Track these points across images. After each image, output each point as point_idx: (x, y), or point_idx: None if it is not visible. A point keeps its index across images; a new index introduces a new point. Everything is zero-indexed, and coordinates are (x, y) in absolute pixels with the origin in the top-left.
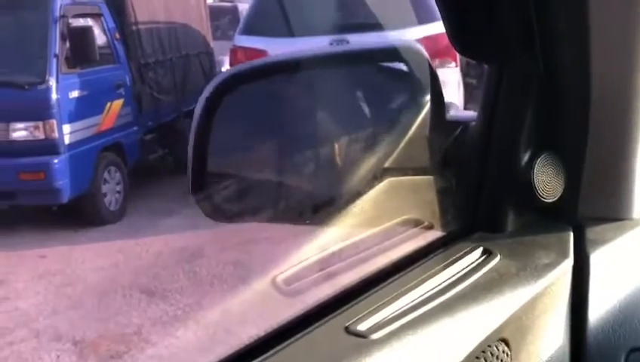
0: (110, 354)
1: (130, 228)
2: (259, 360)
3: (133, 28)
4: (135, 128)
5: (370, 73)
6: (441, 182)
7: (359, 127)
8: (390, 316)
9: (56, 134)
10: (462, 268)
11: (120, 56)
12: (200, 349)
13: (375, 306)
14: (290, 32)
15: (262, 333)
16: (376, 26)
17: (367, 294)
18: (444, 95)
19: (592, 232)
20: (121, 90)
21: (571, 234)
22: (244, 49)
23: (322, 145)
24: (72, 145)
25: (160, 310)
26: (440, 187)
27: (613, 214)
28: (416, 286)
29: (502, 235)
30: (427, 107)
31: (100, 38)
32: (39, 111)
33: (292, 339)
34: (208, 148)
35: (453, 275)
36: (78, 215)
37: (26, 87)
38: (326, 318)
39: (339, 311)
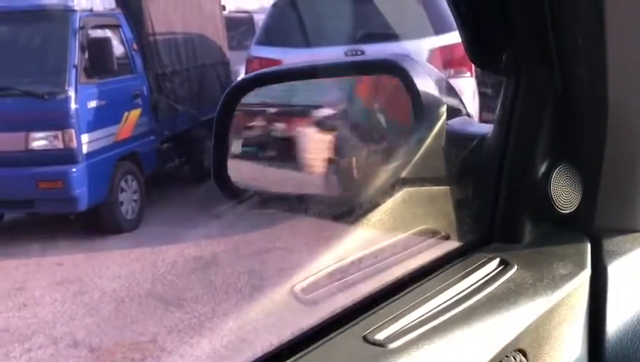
0: None
1: (146, 236)
2: None
3: (151, 39)
4: (152, 137)
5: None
6: (458, 193)
7: (376, 139)
8: (408, 325)
9: (74, 143)
10: (479, 278)
11: (137, 67)
12: (215, 358)
13: (393, 316)
14: (305, 43)
15: (280, 341)
16: (391, 37)
17: (384, 303)
18: (465, 110)
19: (609, 243)
20: (139, 100)
21: (588, 245)
22: (260, 59)
23: (341, 156)
24: (90, 155)
25: (175, 318)
26: (457, 198)
27: (631, 225)
28: (434, 296)
29: (519, 246)
30: (443, 118)
31: (118, 48)
32: (58, 120)
33: (310, 348)
34: (227, 139)
35: (471, 286)
36: (95, 223)
37: (46, 96)
38: (344, 327)
39: (357, 320)
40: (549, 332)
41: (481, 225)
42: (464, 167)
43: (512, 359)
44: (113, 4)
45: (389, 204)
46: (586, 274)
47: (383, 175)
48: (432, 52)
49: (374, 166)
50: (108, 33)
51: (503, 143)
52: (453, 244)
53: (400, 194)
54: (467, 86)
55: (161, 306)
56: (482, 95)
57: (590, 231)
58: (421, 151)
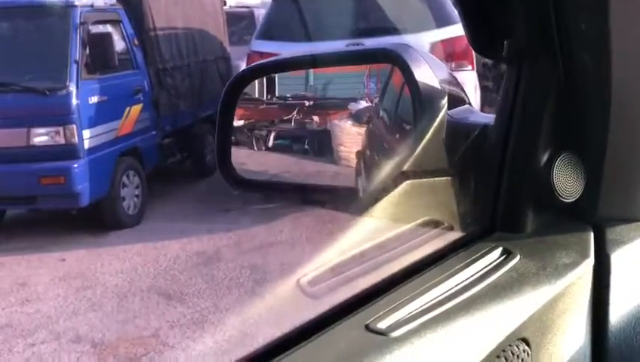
0: (129, 356)
1: (148, 231)
2: (281, 357)
3: (152, 34)
4: (153, 133)
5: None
6: (460, 183)
7: (378, 132)
8: (410, 314)
9: (76, 139)
10: (481, 267)
11: (138, 62)
12: (218, 352)
13: (395, 305)
14: (306, 37)
15: (285, 332)
16: (392, 30)
17: (387, 293)
18: (468, 99)
19: (612, 232)
20: (140, 96)
21: (591, 234)
22: (261, 54)
23: (344, 150)
24: (91, 150)
25: (178, 313)
26: (459, 188)
27: (634, 214)
28: (437, 286)
29: (521, 235)
30: (444, 108)
31: (119, 44)
32: (60, 116)
33: (313, 337)
34: (231, 129)
35: (473, 275)
36: (98, 219)
37: (47, 92)
38: (347, 316)
39: (359, 310)
40: (552, 321)
41: (484, 214)
42: (466, 156)
43: (515, 348)
44: (114, 0)
45: (391, 196)
46: (589, 264)
47: (386, 167)
48: (433, 45)
49: (377, 158)
50: (109, 28)
51: (504, 132)
52: (456, 234)
53: (402, 186)
54: (468, 79)
55: (164, 301)
56: (484, 89)
57: (593, 220)
58: (422, 142)
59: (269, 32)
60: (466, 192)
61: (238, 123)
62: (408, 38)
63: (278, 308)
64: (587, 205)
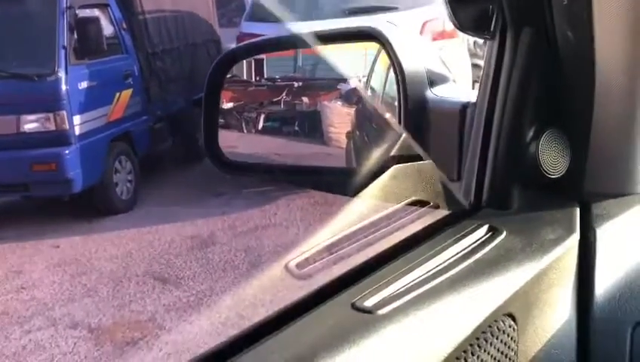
0: (126, 341)
1: (142, 216)
2: (270, 336)
3: (140, 17)
4: (144, 117)
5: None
6: (445, 162)
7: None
8: (396, 292)
9: (66, 125)
10: (468, 244)
11: (128, 46)
12: (213, 334)
13: (381, 283)
14: (295, 18)
15: (273, 312)
16: (383, 9)
17: (374, 272)
18: (452, 76)
19: (598, 208)
20: (130, 80)
21: (577, 209)
22: (251, 35)
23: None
24: (82, 136)
25: (173, 296)
26: (444, 167)
27: (619, 189)
28: (423, 263)
29: (508, 212)
30: (426, 85)
31: (107, 28)
32: (49, 102)
33: (301, 316)
34: (218, 109)
35: (459, 252)
36: (91, 205)
37: (36, 78)
38: (334, 296)
39: (346, 289)
40: (538, 296)
41: (470, 192)
42: (451, 134)
43: (502, 323)
44: None
45: (380, 177)
46: (574, 239)
47: (377, 147)
48: (424, 24)
49: (364, 144)
50: (96, 13)
51: (489, 109)
52: (442, 213)
53: (390, 167)
54: (460, 57)
55: (159, 285)
56: (475, 66)
57: (579, 196)
58: (408, 120)
59: (259, 14)
60: (452, 170)
61: (227, 105)
62: (400, 16)
63: (270, 290)
64: (573, 181)
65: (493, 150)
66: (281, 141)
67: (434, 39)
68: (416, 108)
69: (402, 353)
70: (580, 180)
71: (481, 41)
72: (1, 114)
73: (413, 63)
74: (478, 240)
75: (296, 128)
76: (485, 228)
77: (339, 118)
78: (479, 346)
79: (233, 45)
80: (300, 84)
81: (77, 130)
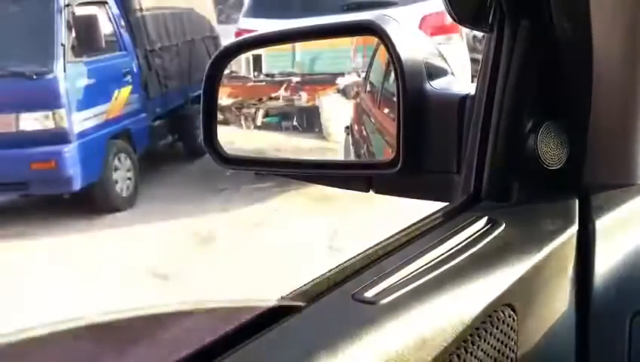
0: (127, 338)
1: (142, 214)
2: (270, 328)
3: (139, 15)
4: (143, 115)
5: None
6: (444, 154)
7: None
8: (397, 283)
9: (65, 123)
10: (467, 236)
11: (126, 44)
12: (216, 330)
13: (381, 274)
14: (294, 14)
15: (273, 305)
16: (382, 4)
17: (374, 264)
18: (450, 69)
19: (596, 199)
20: (129, 78)
21: (576, 201)
22: (249, 31)
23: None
24: (81, 134)
25: (175, 293)
26: (444, 159)
27: (618, 180)
28: (422, 255)
29: (507, 204)
30: (425, 78)
31: (105, 26)
32: (48, 100)
33: (300, 308)
34: (216, 104)
35: (459, 244)
36: (90, 202)
37: (34, 77)
38: (333, 288)
39: (346, 281)
40: (538, 286)
41: (469, 184)
42: (450, 127)
43: (501, 313)
44: None
45: (379, 171)
46: (573, 230)
47: (375, 141)
48: (423, 18)
49: (372, 133)
50: (94, 10)
51: (487, 101)
52: (442, 205)
53: (388, 161)
54: (459, 52)
55: (160, 282)
56: (473, 61)
57: (578, 187)
58: (406, 114)
59: (257, 10)
60: (451, 163)
61: (225, 101)
62: (398, 12)
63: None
64: (572, 172)
65: (492, 142)
66: (279, 136)
67: (433, 34)
68: (415, 102)
69: (403, 342)
70: (579, 172)
71: (480, 35)
72: None
73: (412, 56)
74: (478, 231)
75: (295, 123)
76: (485, 219)
77: (337, 113)
78: (479, 336)
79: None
80: (299, 79)
81: (76, 128)
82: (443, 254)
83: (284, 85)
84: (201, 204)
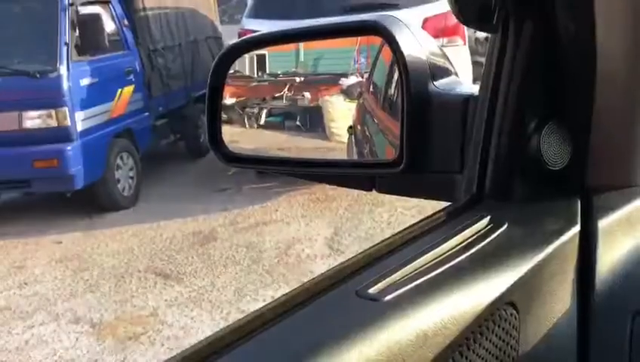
0: (127, 336)
1: (143, 212)
2: (274, 324)
3: (142, 14)
4: (146, 114)
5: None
6: (448, 154)
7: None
8: (400, 280)
9: (68, 122)
10: (470, 235)
11: (129, 43)
12: (215, 329)
13: (385, 271)
14: (297, 14)
15: (277, 300)
16: (384, 6)
17: (378, 261)
18: (454, 69)
19: (599, 199)
20: (131, 77)
21: (579, 201)
22: (252, 32)
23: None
24: (84, 132)
25: (175, 292)
26: (448, 159)
27: (621, 181)
28: (426, 253)
29: (510, 204)
30: (429, 79)
31: (108, 25)
32: (51, 99)
33: (305, 305)
34: (221, 103)
35: (462, 242)
36: (92, 201)
37: (38, 75)
38: (337, 285)
39: (350, 278)
40: (540, 285)
41: (473, 184)
42: (454, 127)
43: (503, 312)
44: None
45: (382, 170)
46: (575, 230)
47: (378, 141)
48: (425, 21)
49: (375, 133)
50: (98, 9)
51: (491, 101)
52: (445, 204)
53: (392, 160)
54: (461, 54)
55: (161, 280)
56: (475, 64)
57: (581, 188)
58: (410, 114)
59: (260, 10)
60: (455, 162)
61: (229, 101)
62: (400, 14)
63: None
64: (575, 173)
65: (495, 142)
66: (283, 135)
67: (435, 37)
68: (419, 102)
69: (406, 339)
70: (582, 172)
71: (482, 37)
72: (3, 110)
73: (416, 57)
74: (480, 231)
75: (298, 123)
76: (487, 219)
77: (340, 113)
78: (481, 334)
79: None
80: (302, 79)
81: (79, 127)
82: (446, 252)
83: (288, 85)
84: (202, 203)
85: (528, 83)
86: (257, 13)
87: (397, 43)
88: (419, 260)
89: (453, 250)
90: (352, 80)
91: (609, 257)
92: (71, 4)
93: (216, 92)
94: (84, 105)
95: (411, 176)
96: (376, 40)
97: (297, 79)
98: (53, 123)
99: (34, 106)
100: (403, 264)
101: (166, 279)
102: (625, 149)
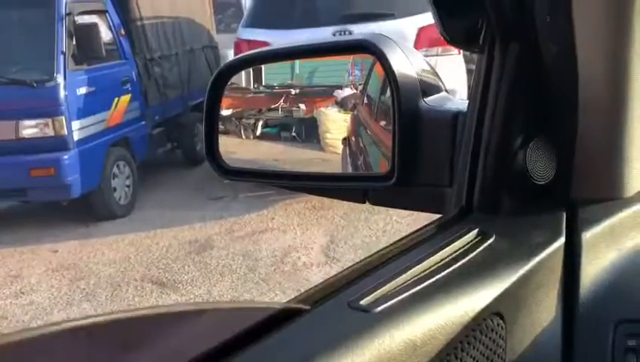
0: (124, 344)
1: (140, 221)
2: (266, 336)
3: (138, 23)
4: (143, 123)
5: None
6: (438, 169)
7: (363, 119)
8: (391, 292)
9: (65, 131)
10: (459, 247)
11: (126, 52)
12: (211, 338)
13: (377, 283)
14: (293, 24)
15: (271, 312)
16: (379, 16)
17: (370, 273)
18: (447, 83)
19: (584, 212)
20: (128, 86)
21: (564, 214)
22: (248, 42)
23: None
24: (81, 141)
25: (171, 300)
26: (438, 173)
27: (604, 194)
28: (417, 265)
29: (498, 216)
30: (420, 96)
31: (105, 34)
32: (48, 108)
33: (298, 317)
34: (218, 116)
35: (451, 254)
36: (89, 210)
37: (35, 84)
38: (330, 296)
39: (342, 290)
40: (526, 296)
41: (462, 197)
42: (443, 142)
43: (490, 322)
44: None
45: (375, 183)
46: (561, 241)
47: (372, 154)
48: (420, 30)
49: (369, 145)
50: (95, 19)
51: (479, 118)
52: (435, 217)
53: (385, 173)
54: (456, 63)
55: (157, 289)
56: (470, 72)
57: (566, 201)
58: (402, 129)
59: (256, 20)
60: (445, 176)
61: (226, 112)
62: (395, 23)
63: (268, 294)
64: (560, 187)
65: (483, 157)
66: (278, 147)
67: (430, 46)
68: (410, 118)
69: (396, 349)
70: (567, 186)
71: None
72: (0, 119)
73: (407, 74)
74: (469, 243)
75: (294, 134)
76: (476, 231)
77: (335, 125)
78: (469, 343)
79: (231, 51)
80: (297, 90)
81: (75, 136)
82: (436, 264)
83: (284, 97)
84: (199, 211)
85: (514, 101)
86: (254, 23)
87: (388, 61)
88: (410, 271)
89: (443, 261)
90: (347, 92)
91: (593, 268)
92: (68, 14)
93: (214, 107)
94: (81, 114)
95: (403, 188)
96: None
97: (293, 91)
98: (50, 132)
99: (31, 115)
100: (394, 276)
101: (162, 288)
102: (607, 164)
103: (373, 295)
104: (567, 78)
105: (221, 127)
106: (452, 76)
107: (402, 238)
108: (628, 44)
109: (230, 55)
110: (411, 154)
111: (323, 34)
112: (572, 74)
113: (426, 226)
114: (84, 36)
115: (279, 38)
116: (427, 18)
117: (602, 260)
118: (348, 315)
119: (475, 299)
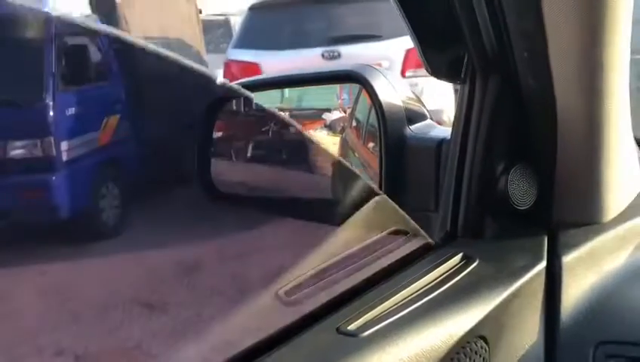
0: None
1: (128, 242)
2: (259, 360)
3: (128, 44)
4: (132, 143)
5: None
6: (423, 195)
7: (351, 142)
8: (378, 316)
9: (54, 152)
10: (443, 272)
11: (115, 73)
12: (200, 360)
13: (364, 308)
14: (282, 45)
15: (259, 338)
16: (368, 37)
17: (357, 298)
18: (436, 104)
19: (564, 236)
20: (118, 106)
21: (545, 238)
22: (238, 62)
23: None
24: (70, 162)
25: (160, 323)
26: (422, 199)
27: (584, 219)
28: (402, 290)
29: (481, 241)
30: (405, 124)
31: (95, 55)
32: (37, 129)
33: (286, 342)
34: (210, 141)
35: (436, 278)
36: (77, 231)
37: (23, 105)
38: (319, 321)
39: (330, 315)
40: (508, 319)
41: (446, 223)
42: (428, 169)
43: (474, 345)
44: (89, 10)
45: (363, 207)
46: (542, 265)
47: (360, 178)
48: (408, 51)
49: (357, 169)
50: (84, 40)
51: (462, 146)
52: (420, 242)
53: (372, 198)
54: (444, 84)
55: (146, 311)
56: (457, 92)
57: (547, 226)
58: (388, 156)
59: (246, 41)
60: (429, 202)
61: (216, 135)
62: (383, 45)
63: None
64: (541, 212)
65: (466, 184)
66: (268, 170)
67: (418, 67)
68: (396, 145)
69: None
70: (547, 211)
71: None
72: None
73: (393, 103)
74: (453, 267)
75: (284, 157)
76: (460, 256)
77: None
78: None
79: (220, 71)
80: (287, 113)
81: (64, 157)
82: (422, 288)
83: (273, 119)
84: (189, 231)
85: (495, 130)
86: (243, 44)
87: (374, 90)
88: (396, 296)
89: (429, 285)
90: (335, 115)
91: (573, 291)
92: (58, 35)
93: (207, 135)
94: (70, 134)
95: None
96: None
97: (282, 113)
98: (39, 153)
99: (19, 136)
100: (382, 300)
101: (151, 310)
102: (587, 190)
103: (361, 319)
104: (545, 109)
105: (212, 149)
106: (440, 96)
107: (389, 262)
108: (604, 79)
109: (219, 75)
110: (397, 180)
111: (312, 54)
112: (550, 105)
113: (412, 251)
114: (74, 57)
115: (269, 59)
116: None
117: (582, 283)
118: (336, 340)
119: (459, 322)
